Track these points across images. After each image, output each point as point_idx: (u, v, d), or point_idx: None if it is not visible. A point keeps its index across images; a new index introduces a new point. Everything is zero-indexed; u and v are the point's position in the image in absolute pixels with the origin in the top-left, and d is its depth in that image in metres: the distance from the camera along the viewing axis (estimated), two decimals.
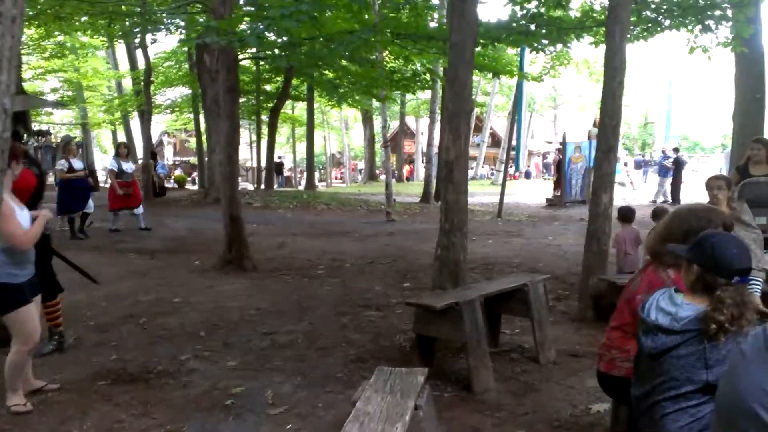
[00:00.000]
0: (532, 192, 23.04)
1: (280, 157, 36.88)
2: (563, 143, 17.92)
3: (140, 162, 17.32)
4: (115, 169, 10.90)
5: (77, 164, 10.34)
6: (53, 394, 4.00)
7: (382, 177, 24.54)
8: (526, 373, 4.40)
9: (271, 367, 4.56)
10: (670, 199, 17.40)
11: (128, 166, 11.08)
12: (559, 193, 17.70)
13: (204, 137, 20.84)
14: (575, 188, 17.58)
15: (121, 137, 30.60)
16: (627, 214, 6.49)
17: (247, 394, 4.02)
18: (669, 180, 17.87)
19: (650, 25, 9.11)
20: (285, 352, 4.90)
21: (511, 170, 29.43)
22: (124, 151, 11.53)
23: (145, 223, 11.23)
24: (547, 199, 18.18)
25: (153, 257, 8.90)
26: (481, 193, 21.27)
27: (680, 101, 48.68)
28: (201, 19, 15.07)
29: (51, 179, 22.32)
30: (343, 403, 3.68)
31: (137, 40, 20.45)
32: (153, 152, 16.82)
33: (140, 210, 11.20)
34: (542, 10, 9.38)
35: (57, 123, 34.27)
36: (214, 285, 7.23)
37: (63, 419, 3.65)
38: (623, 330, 2.68)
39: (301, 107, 33.66)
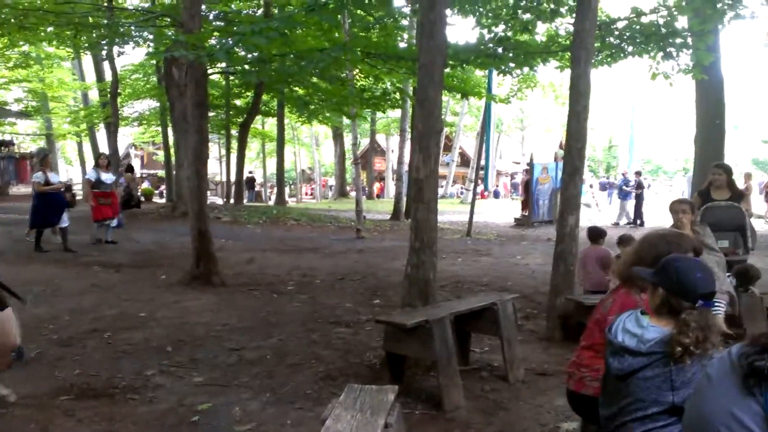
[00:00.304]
0: (501, 211, 23.31)
1: (251, 172, 36.61)
2: (530, 164, 18.23)
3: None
4: (92, 180, 10.76)
5: (54, 178, 10.21)
6: (13, 408, 3.87)
7: (353, 194, 24.53)
8: (496, 392, 4.44)
9: (239, 384, 4.50)
10: (632, 220, 17.85)
11: (107, 177, 10.97)
12: (526, 213, 17.96)
13: (172, 150, 20.62)
14: (542, 208, 17.86)
15: (87, 149, 30.06)
16: (595, 234, 6.62)
17: (214, 411, 3.96)
18: (629, 202, 18.39)
19: (614, 51, 9.40)
20: (253, 369, 4.85)
21: (480, 189, 29.74)
22: (104, 162, 11.42)
23: (111, 236, 11.05)
24: (515, 219, 18.42)
25: (118, 271, 8.73)
26: (450, 212, 21.44)
27: (643, 125, 50.00)
28: (170, 33, 15.00)
29: (16, 190, 21.67)
30: (312, 420, 3.66)
31: (104, 52, 20.19)
32: (130, 165, 16.61)
33: (114, 223, 11.12)
34: (509, 34, 9.62)
35: (21, 133, 33.50)
36: (180, 300, 7.12)
37: None
38: (594, 350, 2.72)
39: (271, 122, 33.59)
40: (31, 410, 3.89)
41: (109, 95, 20.19)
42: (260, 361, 5.04)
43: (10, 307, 3.73)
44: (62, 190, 10.27)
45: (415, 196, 5.37)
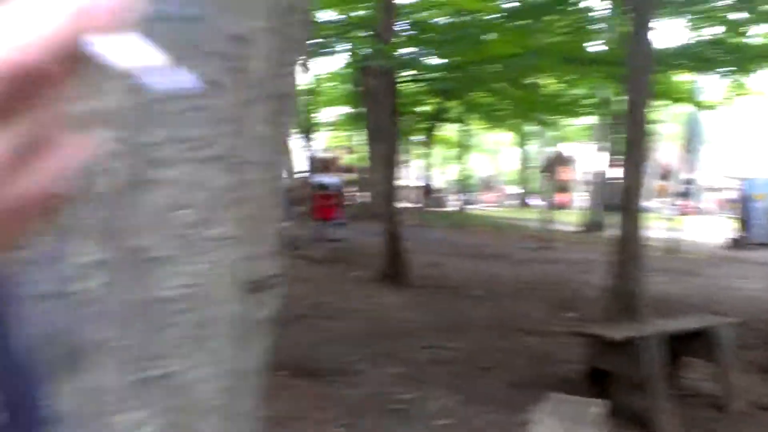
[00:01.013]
0: (709, 229, 21.14)
1: (433, 179, 37.34)
2: (744, 179, 16.34)
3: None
4: (315, 183, 11.87)
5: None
6: None
7: (536, 202, 23.89)
8: (713, 422, 4.05)
9: (433, 381, 4.60)
10: None
11: (330, 181, 11.90)
12: (742, 233, 16.06)
13: (362, 155, 21.76)
14: (758, 228, 15.87)
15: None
16: None
17: (413, 402, 4.10)
18: None
19: None
20: (445, 368, 4.94)
21: (685, 203, 27.16)
22: (327, 166, 12.61)
23: (338, 235, 11.72)
24: (729, 239, 16.53)
25: (319, 265, 9.39)
26: (652, 227, 19.91)
27: None
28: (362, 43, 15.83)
29: None
30: (508, 424, 3.63)
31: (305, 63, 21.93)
32: (348, 167, 17.79)
33: (338, 222, 11.92)
34: (722, 36, 8.76)
35: None
36: (373, 296, 7.47)
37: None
38: None
39: (454, 129, 33.96)
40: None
41: (308, 102, 21.88)
42: (451, 361, 5.12)
43: None
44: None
45: (620, 207, 5.11)
